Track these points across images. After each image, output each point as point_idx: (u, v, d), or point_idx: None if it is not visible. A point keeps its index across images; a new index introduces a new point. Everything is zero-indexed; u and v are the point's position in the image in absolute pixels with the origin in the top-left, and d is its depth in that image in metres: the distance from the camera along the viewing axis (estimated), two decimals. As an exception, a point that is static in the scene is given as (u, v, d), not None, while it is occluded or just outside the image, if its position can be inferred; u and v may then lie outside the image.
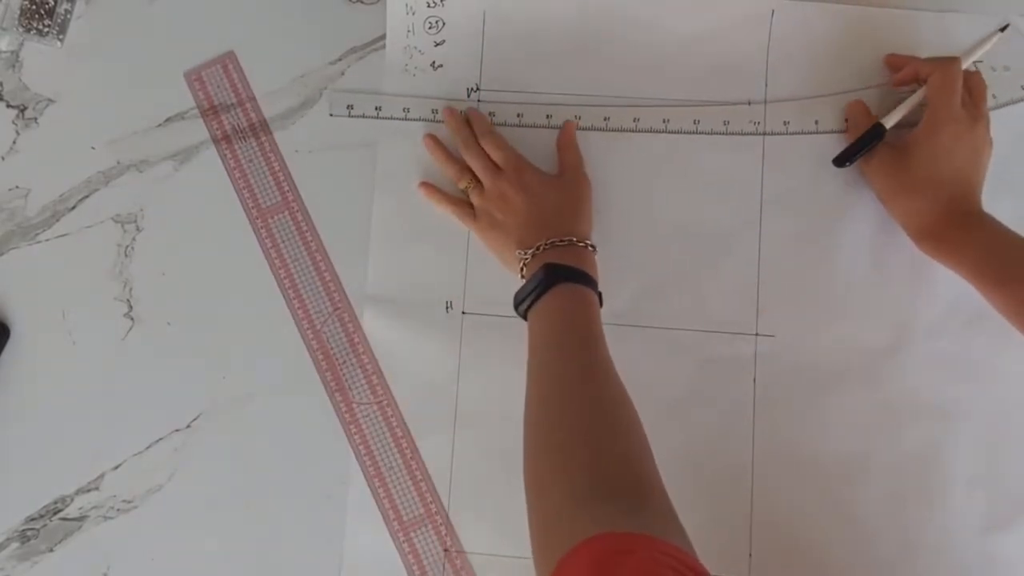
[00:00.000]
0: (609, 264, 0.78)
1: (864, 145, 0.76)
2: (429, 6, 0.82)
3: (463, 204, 0.80)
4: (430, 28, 0.82)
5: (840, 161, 0.77)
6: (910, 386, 0.78)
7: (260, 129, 0.82)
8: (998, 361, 0.78)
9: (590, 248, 0.75)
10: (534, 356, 0.68)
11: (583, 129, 0.81)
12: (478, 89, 0.82)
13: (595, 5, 0.81)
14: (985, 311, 0.77)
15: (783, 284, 0.79)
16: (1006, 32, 0.79)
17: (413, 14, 0.82)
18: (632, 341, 0.79)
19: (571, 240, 0.74)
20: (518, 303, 0.72)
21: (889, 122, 0.75)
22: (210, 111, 0.82)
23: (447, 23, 0.82)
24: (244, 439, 0.80)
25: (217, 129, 0.82)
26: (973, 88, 0.75)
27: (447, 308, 0.80)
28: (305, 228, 0.81)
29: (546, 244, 0.73)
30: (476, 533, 0.78)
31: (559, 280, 0.70)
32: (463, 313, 0.80)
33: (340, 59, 0.83)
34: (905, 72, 0.77)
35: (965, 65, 0.75)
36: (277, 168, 0.82)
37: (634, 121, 0.81)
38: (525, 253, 0.74)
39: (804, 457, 0.77)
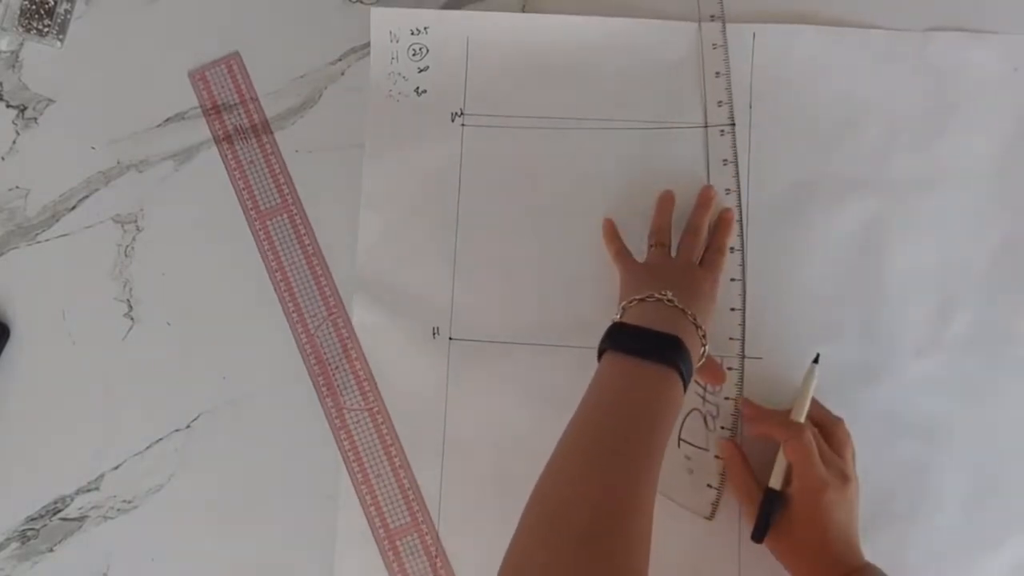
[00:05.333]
0: (592, 288, 0.79)
1: (771, 513, 0.72)
2: (413, 33, 0.82)
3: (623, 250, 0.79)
4: (414, 55, 0.82)
5: (759, 536, 0.73)
6: (899, 406, 0.78)
7: (262, 130, 0.82)
8: (988, 382, 0.78)
9: (685, 313, 0.69)
10: (577, 415, 0.65)
11: (564, 154, 0.81)
12: (462, 114, 0.82)
13: (578, 31, 0.81)
14: (975, 332, 0.78)
15: (769, 306, 0.79)
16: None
17: (397, 41, 0.82)
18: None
19: (666, 297, 0.69)
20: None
21: (777, 484, 0.73)
22: (212, 111, 0.82)
23: (431, 50, 0.82)
24: (244, 439, 0.80)
25: (219, 129, 0.82)
26: (836, 441, 0.73)
27: (434, 334, 0.80)
28: (303, 231, 0.81)
29: (639, 299, 0.70)
30: (466, 561, 0.78)
31: (611, 348, 0.67)
32: (450, 339, 0.80)
33: (340, 59, 0.83)
34: (758, 433, 0.76)
35: (803, 415, 0.73)
36: (277, 170, 0.82)
37: (618, 145, 0.81)
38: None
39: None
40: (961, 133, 0.80)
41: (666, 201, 0.80)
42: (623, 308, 0.70)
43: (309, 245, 0.81)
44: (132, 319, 0.81)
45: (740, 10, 0.81)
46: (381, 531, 0.78)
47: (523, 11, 0.82)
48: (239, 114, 0.83)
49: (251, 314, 0.81)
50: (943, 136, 0.80)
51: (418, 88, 0.82)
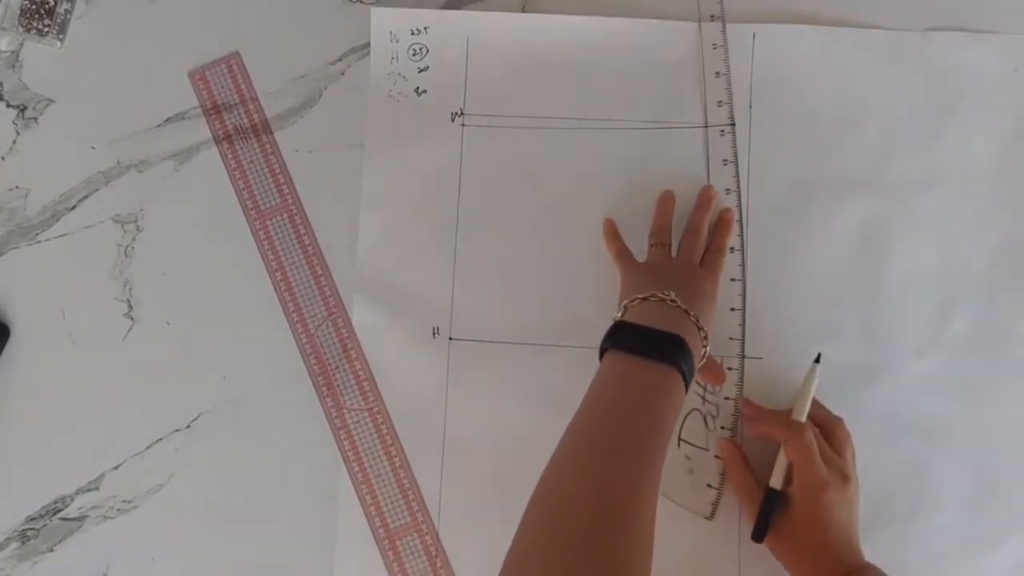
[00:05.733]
0: (591, 288, 0.79)
1: (771, 512, 0.72)
2: (413, 33, 0.82)
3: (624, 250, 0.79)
4: (414, 55, 0.82)
5: (759, 536, 0.72)
6: (899, 406, 0.78)
7: (262, 130, 0.82)
8: (988, 382, 0.78)
9: (687, 314, 0.69)
10: (578, 414, 0.64)
11: (564, 154, 0.81)
12: (462, 114, 0.82)
13: (578, 31, 0.81)
14: (975, 332, 0.78)
15: (769, 306, 0.79)
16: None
17: (397, 41, 0.82)
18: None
19: (668, 297, 0.69)
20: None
21: (777, 484, 0.73)
22: (212, 111, 0.82)
23: (431, 50, 0.82)
24: (244, 439, 0.80)
25: (219, 129, 0.82)
26: (836, 441, 0.73)
27: (434, 334, 0.80)
28: (303, 231, 0.81)
29: (641, 298, 0.70)
30: (467, 561, 0.78)
31: (613, 347, 0.67)
32: (450, 339, 0.80)
33: (340, 59, 0.83)
34: (758, 433, 0.76)
35: (804, 415, 0.73)
36: (277, 170, 0.82)
37: (617, 144, 0.81)
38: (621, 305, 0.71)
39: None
40: (961, 133, 0.80)
41: (666, 201, 0.80)
42: (625, 307, 0.70)
43: (309, 245, 0.81)
44: (132, 319, 0.81)
45: (740, 10, 0.81)
46: (381, 531, 0.78)
47: (523, 11, 0.82)
48: (239, 114, 0.83)
49: (251, 314, 0.81)
50: (943, 136, 0.80)
51: (418, 88, 0.82)
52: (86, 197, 0.82)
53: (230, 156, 0.82)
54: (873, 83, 0.81)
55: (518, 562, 0.56)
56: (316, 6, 0.83)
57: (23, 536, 0.79)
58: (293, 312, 0.81)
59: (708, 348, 0.70)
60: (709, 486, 0.77)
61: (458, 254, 0.81)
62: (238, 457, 0.80)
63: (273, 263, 0.81)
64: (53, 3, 0.82)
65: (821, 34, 0.81)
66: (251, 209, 0.82)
